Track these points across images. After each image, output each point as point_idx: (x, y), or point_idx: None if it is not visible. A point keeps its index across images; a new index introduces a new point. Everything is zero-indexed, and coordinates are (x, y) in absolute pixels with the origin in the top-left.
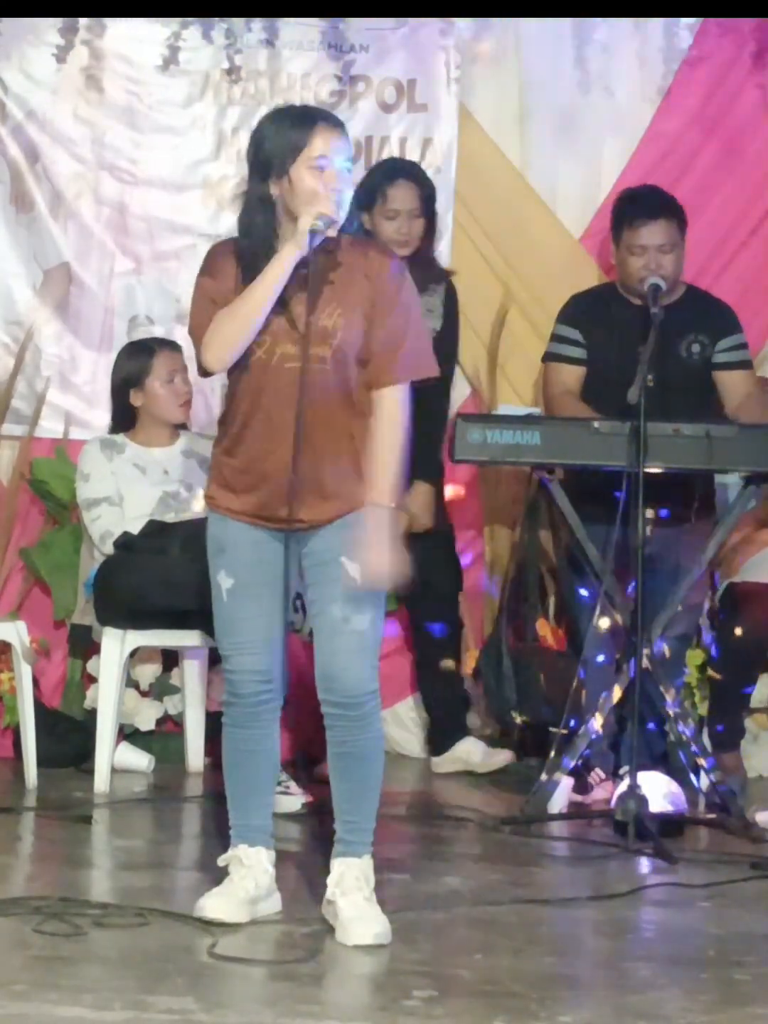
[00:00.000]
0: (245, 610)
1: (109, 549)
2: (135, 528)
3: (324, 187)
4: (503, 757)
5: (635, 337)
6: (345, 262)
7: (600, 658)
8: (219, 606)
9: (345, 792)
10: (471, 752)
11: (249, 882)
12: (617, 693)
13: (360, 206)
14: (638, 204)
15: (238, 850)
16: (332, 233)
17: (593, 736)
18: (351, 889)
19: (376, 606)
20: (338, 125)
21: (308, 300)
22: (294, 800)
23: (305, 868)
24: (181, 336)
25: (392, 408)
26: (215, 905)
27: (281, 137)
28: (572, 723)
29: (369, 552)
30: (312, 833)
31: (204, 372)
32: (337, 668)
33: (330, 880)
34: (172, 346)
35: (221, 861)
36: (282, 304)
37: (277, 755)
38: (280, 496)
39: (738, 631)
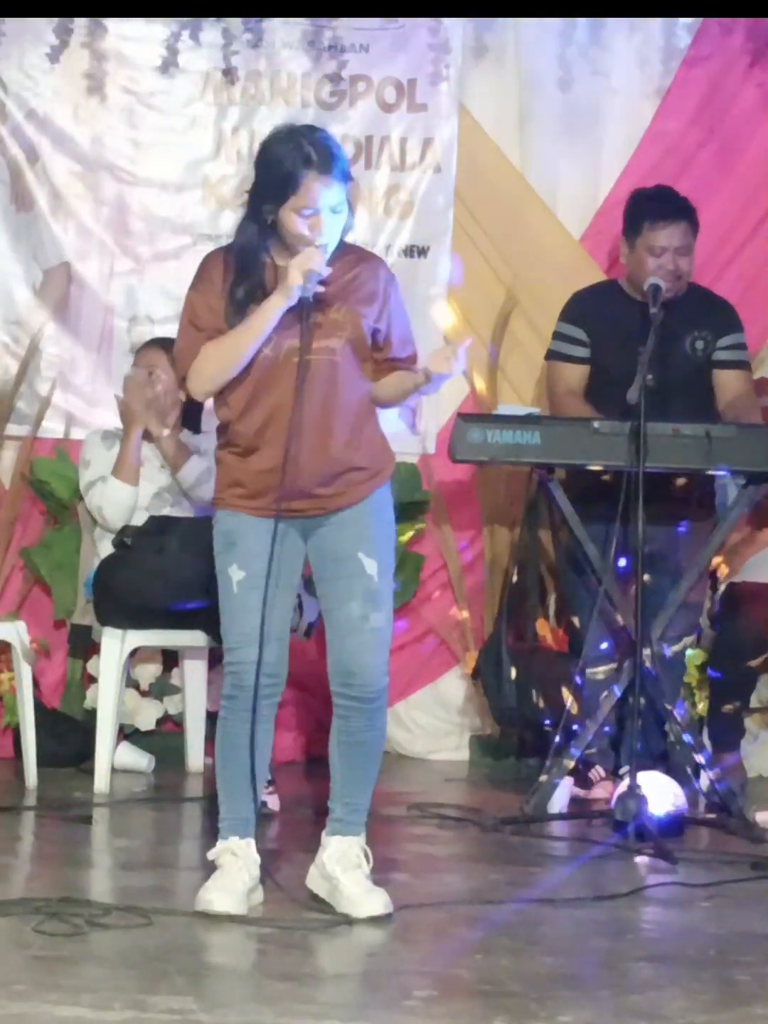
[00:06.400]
0: (254, 602)
1: (112, 522)
2: (135, 521)
3: (311, 235)
4: None
5: (639, 334)
6: (346, 264)
7: (600, 658)
8: (228, 599)
9: (350, 777)
10: None
11: (244, 874)
12: (617, 693)
13: None
14: (659, 204)
15: (230, 842)
16: (320, 289)
17: (592, 736)
18: (353, 866)
19: (390, 603)
20: (329, 169)
21: (302, 337)
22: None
23: (296, 865)
24: None
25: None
26: (220, 899)
27: (279, 172)
28: (572, 723)
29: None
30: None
31: (190, 396)
32: (357, 665)
33: (328, 855)
34: (158, 343)
35: (211, 855)
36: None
37: (269, 750)
38: (298, 485)
39: (738, 631)
